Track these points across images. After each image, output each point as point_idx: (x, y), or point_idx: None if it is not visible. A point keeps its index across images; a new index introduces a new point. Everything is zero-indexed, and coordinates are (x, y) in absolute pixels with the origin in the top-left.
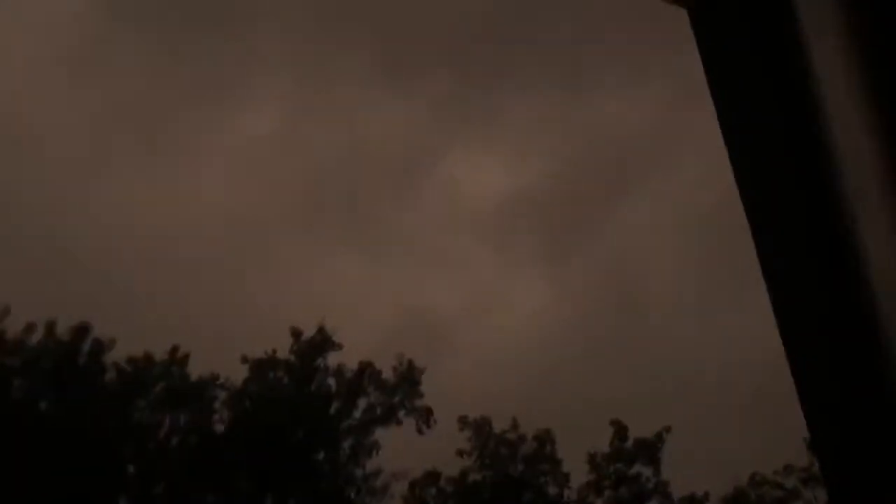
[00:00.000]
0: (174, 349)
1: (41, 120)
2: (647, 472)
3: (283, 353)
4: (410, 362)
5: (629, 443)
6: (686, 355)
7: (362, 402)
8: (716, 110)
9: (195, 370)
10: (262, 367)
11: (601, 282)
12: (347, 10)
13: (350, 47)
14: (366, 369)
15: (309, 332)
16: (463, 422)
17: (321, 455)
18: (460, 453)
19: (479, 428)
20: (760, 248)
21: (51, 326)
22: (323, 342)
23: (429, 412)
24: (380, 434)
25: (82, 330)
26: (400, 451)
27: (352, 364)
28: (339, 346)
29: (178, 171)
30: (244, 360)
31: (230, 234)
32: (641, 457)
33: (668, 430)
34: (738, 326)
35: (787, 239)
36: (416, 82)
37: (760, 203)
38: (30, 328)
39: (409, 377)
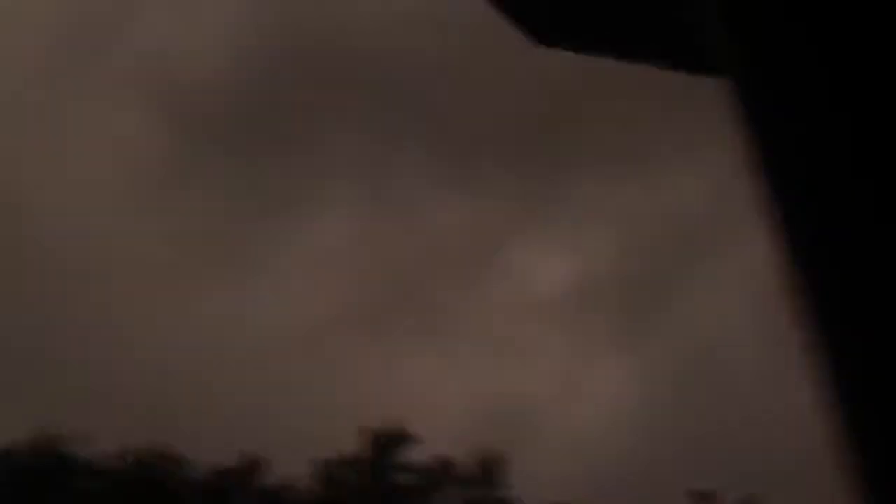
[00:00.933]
0: (251, 460)
1: (115, 240)
2: None
3: (357, 450)
4: (487, 455)
5: None
6: (769, 428)
7: (439, 499)
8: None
9: (271, 479)
10: (333, 468)
11: (675, 361)
12: (410, 112)
13: (413, 147)
14: (442, 463)
15: (381, 427)
16: None
17: None
18: None
19: None
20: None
21: (127, 450)
22: (397, 438)
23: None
24: None
25: (157, 449)
26: None
27: (426, 458)
28: (415, 440)
29: (255, 282)
30: (316, 463)
31: (302, 340)
32: None
33: (750, 500)
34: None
35: None
36: (479, 176)
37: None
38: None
39: (488, 469)
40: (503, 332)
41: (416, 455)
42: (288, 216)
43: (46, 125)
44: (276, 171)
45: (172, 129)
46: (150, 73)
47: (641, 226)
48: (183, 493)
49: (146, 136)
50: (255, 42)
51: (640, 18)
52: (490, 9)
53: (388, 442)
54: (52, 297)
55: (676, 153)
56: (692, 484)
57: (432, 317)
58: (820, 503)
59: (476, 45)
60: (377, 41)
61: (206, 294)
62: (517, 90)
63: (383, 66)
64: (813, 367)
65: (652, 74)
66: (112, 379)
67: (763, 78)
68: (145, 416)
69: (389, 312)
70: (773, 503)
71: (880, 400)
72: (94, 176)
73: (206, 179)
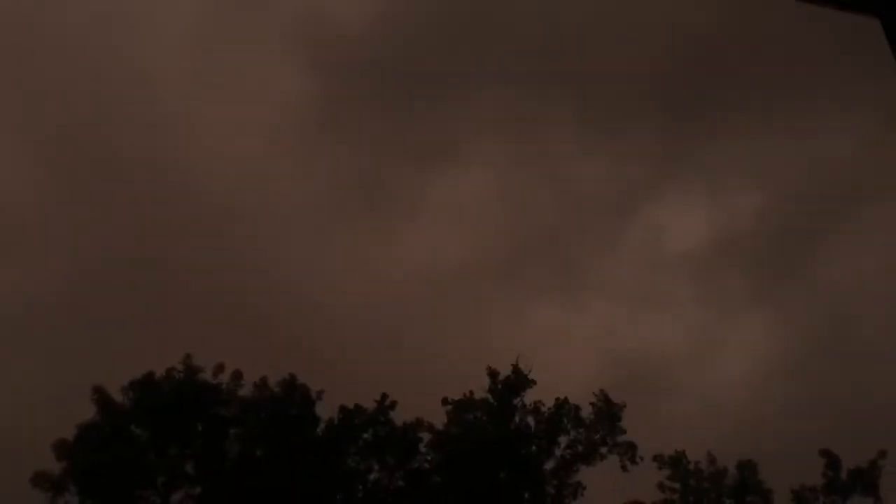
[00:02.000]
0: (383, 397)
1: (277, 185)
2: (867, 502)
3: (483, 393)
4: (608, 398)
5: (843, 473)
6: None
7: (563, 441)
8: None
9: (401, 417)
10: (461, 408)
11: (812, 316)
12: (555, 70)
13: (559, 103)
14: (563, 405)
15: (505, 372)
16: (659, 460)
17: (526, 495)
18: (661, 487)
19: (677, 463)
20: None
21: (264, 380)
22: (519, 380)
23: (632, 448)
24: (584, 473)
25: (291, 382)
26: (605, 491)
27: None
28: (534, 382)
29: (399, 228)
30: (445, 402)
31: (441, 285)
32: (858, 486)
33: (883, 455)
34: None
35: None
36: (621, 133)
37: None
38: (237, 376)
39: (609, 413)
40: (640, 286)
41: (543, 399)
42: (434, 166)
43: (215, 80)
44: (425, 123)
45: (329, 81)
46: (307, 28)
47: (783, 180)
48: (315, 428)
49: (303, 88)
50: None
51: None
52: None
53: (515, 385)
54: (214, 233)
55: (827, 105)
56: (824, 443)
57: (568, 268)
58: None
59: (619, 2)
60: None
61: (355, 235)
62: (660, 46)
63: (531, 24)
64: None
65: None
66: (258, 311)
67: None
68: (287, 348)
69: (526, 262)
70: None
71: None
72: (256, 124)
73: (357, 129)
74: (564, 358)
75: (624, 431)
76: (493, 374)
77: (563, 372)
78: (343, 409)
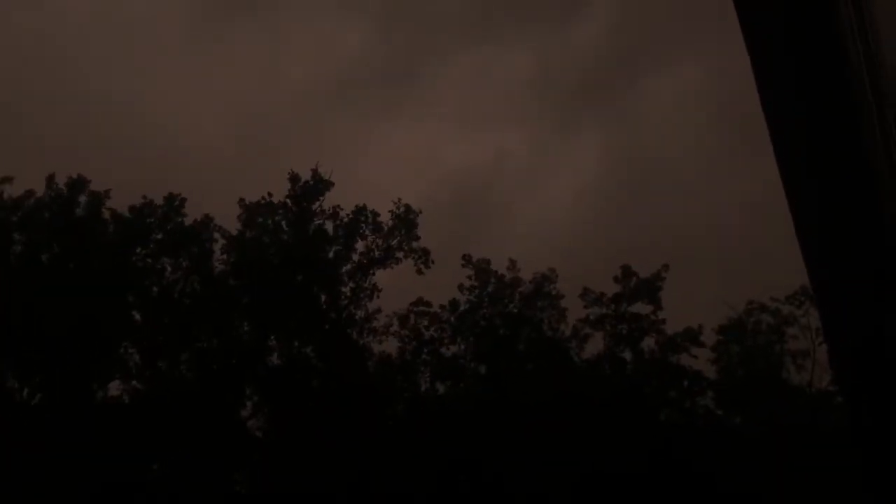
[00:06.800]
0: (170, 195)
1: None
2: (646, 309)
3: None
4: (408, 206)
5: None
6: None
7: (360, 247)
8: None
9: (192, 216)
10: (258, 210)
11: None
12: None
13: None
14: (362, 211)
15: (304, 176)
16: (466, 260)
17: (323, 297)
18: (461, 288)
19: (481, 268)
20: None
21: (50, 179)
22: (318, 185)
23: (426, 253)
24: (380, 276)
25: (78, 183)
26: (401, 292)
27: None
28: (331, 184)
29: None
30: (241, 202)
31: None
32: (642, 295)
33: (666, 268)
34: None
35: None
36: None
37: None
38: (30, 192)
39: (406, 219)
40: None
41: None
42: None
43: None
44: None
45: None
46: None
47: None
48: (104, 228)
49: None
50: None
51: None
52: None
53: (314, 190)
54: None
55: None
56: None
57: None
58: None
59: None
60: None
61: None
62: None
63: None
64: None
65: None
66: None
67: None
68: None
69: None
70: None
71: None
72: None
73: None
74: (388, 176)
75: (418, 238)
76: (293, 178)
77: (385, 188)
78: (132, 208)
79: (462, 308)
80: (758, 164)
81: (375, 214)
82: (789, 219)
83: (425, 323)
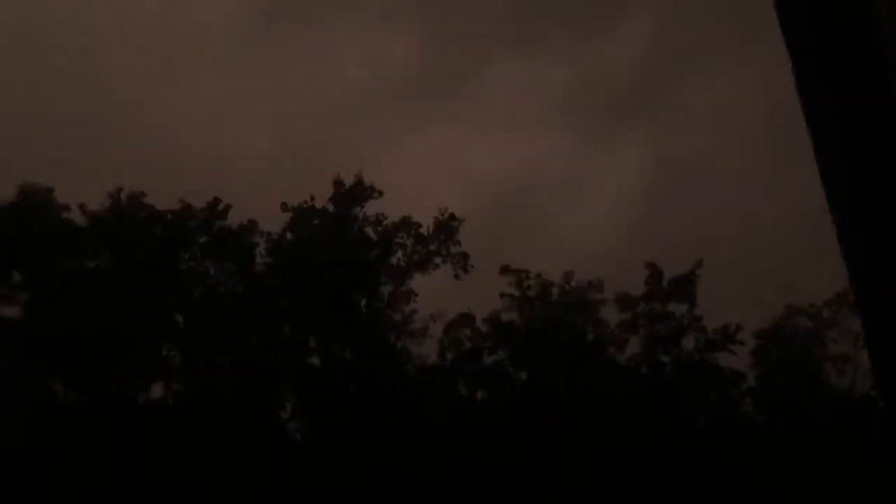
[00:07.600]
0: (214, 199)
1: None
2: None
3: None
4: (452, 214)
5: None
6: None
7: (400, 253)
8: None
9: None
10: (301, 215)
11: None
12: None
13: None
14: (405, 222)
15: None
16: (505, 270)
17: (362, 301)
18: (502, 296)
19: (521, 277)
20: None
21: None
22: (361, 191)
23: (465, 257)
24: (418, 280)
25: (132, 197)
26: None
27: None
28: (377, 192)
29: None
30: (284, 208)
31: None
32: (676, 294)
33: (699, 265)
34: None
35: None
36: None
37: None
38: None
39: (446, 226)
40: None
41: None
42: None
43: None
44: None
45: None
46: None
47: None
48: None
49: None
50: None
51: None
52: None
53: (358, 195)
54: None
55: None
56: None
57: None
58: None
59: None
60: None
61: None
62: None
63: None
64: None
65: None
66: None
67: None
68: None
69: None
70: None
71: None
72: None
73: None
74: (428, 184)
75: (459, 243)
76: (338, 183)
77: (425, 196)
78: (174, 212)
79: (503, 317)
80: (798, 174)
81: (417, 225)
82: (831, 225)
83: (468, 333)
